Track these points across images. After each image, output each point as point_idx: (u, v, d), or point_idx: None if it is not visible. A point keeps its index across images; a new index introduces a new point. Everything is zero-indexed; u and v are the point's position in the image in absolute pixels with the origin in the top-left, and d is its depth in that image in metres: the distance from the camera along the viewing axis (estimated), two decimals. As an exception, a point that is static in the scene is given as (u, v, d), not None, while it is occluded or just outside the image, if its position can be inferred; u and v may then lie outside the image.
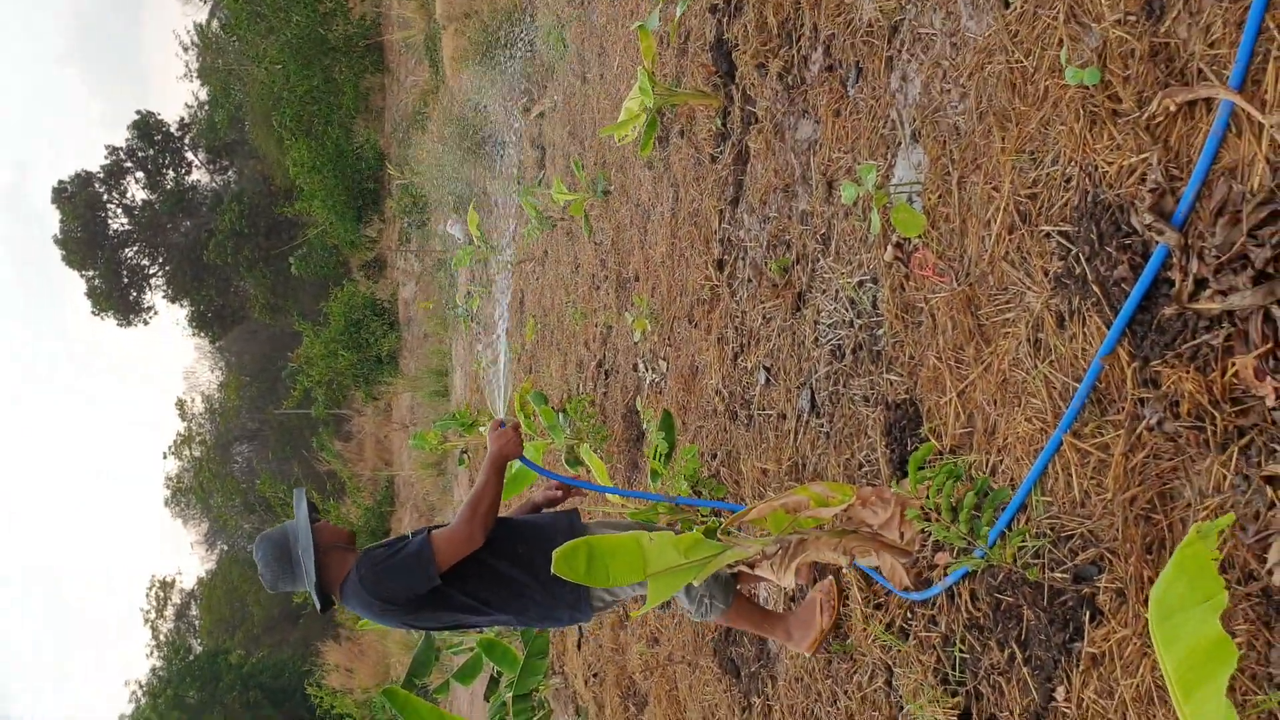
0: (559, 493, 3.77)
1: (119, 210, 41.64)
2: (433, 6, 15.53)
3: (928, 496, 2.54)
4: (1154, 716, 2.16)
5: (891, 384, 3.22)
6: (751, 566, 3.18)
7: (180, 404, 47.17)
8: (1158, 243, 2.13)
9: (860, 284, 3.46)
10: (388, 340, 21.41)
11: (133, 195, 41.79)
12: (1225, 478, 2.02)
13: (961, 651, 2.80)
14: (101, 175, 40.85)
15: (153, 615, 48.19)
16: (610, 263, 6.77)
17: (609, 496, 4.83)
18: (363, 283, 25.74)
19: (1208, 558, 1.45)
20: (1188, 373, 2.08)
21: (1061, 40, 2.46)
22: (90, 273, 40.79)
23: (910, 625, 3.05)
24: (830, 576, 3.61)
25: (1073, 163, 2.44)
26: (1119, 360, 2.26)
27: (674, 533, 3.11)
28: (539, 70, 9.98)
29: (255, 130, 33.97)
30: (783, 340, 4.04)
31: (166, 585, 49.20)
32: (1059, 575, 2.44)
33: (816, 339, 3.75)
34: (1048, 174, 2.53)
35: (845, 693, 3.44)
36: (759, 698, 4.15)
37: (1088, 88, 2.35)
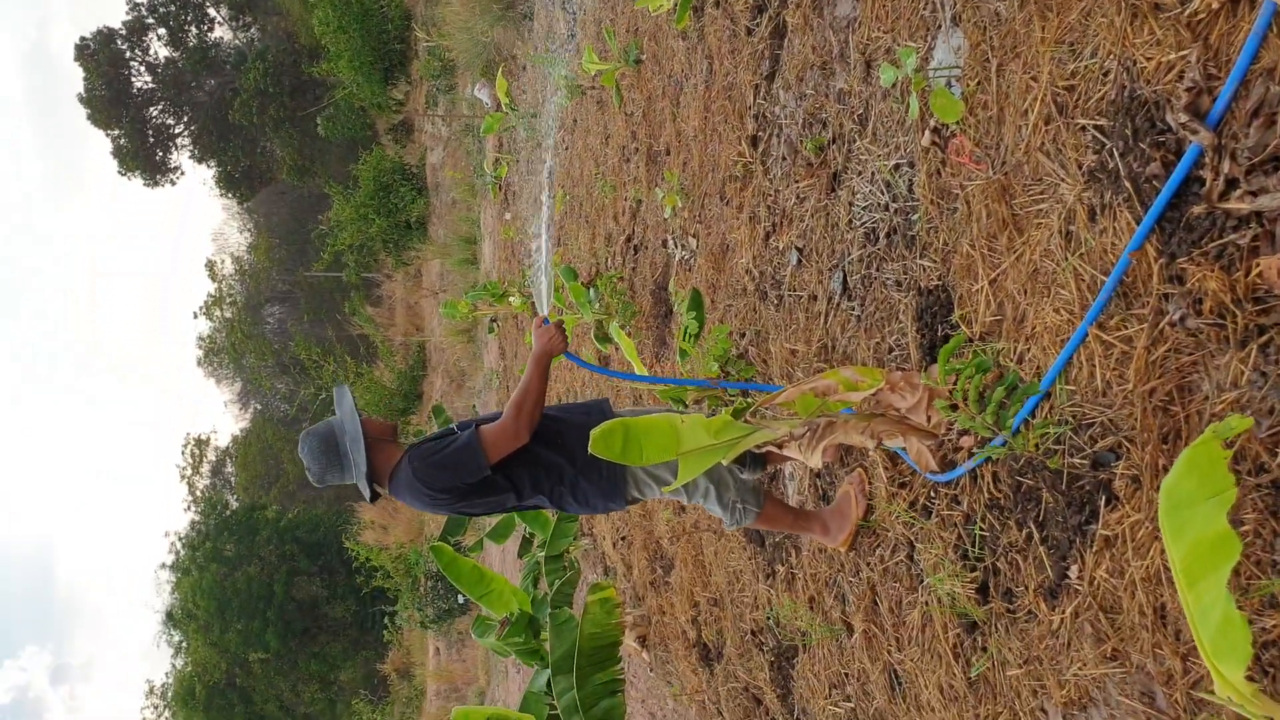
0: None
1: (142, 68, 41.19)
2: None
3: (955, 387, 2.62)
4: (1161, 596, 2.28)
5: (924, 269, 3.27)
6: (780, 447, 3.30)
7: (210, 265, 47.50)
8: (1191, 142, 2.15)
9: (896, 167, 3.48)
10: (417, 206, 21.38)
11: (155, 53, 41.27)
12: (1243, 374, 2.09)
13: (981, 530, 2.93)
14: (124, 32, 40.29)
15: (189, 472, 49.58)
16: (641, 135, 6.74)
17: (637, 372, 4.95)
18: (390, 147, 25.58)
19: (1219, 455, 1.53)
20: (1212, 271, 2.13)
21: (1108, -71, 2.43)
22: (115, 132, 40.63)
23: (933, 504, 3.18)
24: (860, 468, 3.73)
25: (1111, 56, 2.44)
26: (1146, 256, 2.31)
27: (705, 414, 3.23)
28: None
29: (277, -15, 33.34)
30: (816, 221, 4.08)
31: (202, 443, 50.46)
32: (1078, 461, 2.53)
33: (850, 221, 3.79)
34: (1086, 66, 2.53)
35: (868, 565, 3.60)
36: (783, 566, 4.33)
37: (1132, -20, 2.34)
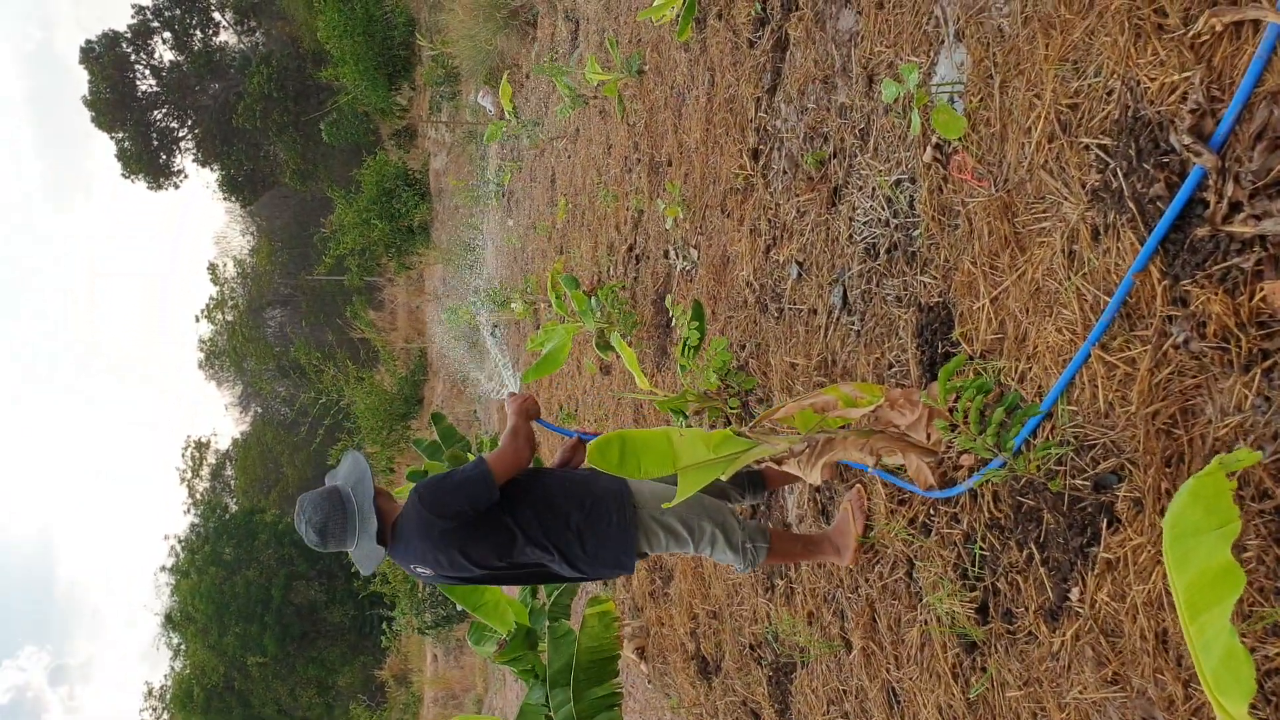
0: (569, 453, 3.91)
1: (147, 71, 41.26)
2: None
3: (956, 406, 2.60)
4: (1163, 620, 2.26)
5: (925, 286, 3.25)
6: (779, 463, 3.28)
7: (212, 268, 47.51)
8: (1195, 164, 2.13)
9: (898, 183, 3.46)
10: (419, 211, 21.39)
11: (160, 56, 41.35)
12: (1246, 398, 2.07)
13: (981, 549, 2.91)
14: (129, 35, 40.36)
15: (189, 475, 49.55)
16: (643, 145, 6.73)
17: (638, 383, 4.92)
18: (393, 152, 25.59)
19: (1224, 487, 1.51)
20: (1216, 294, 2.12)
21: (1113, -52, 2.41)
22: (120, 134, 40.70)
23: (932, 522, 3.16)
24: (859, 484, 3.70)
25: (1115, 76, 2.42)
26: (1150, 277, 2.29)
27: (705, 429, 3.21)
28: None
29: (282, -10, 33.41)
30: (816, 235, 4.06)
31: (202, 446, 50.45)
32: (1080, 482, 2.51)
33: (851, 236, 3.77)
34: (1090, 85, 2.52)
35: (866, 581, 3.57)
36: (782, 580, 4.31)
37: (1134, 0, 2.32)
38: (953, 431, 2.66)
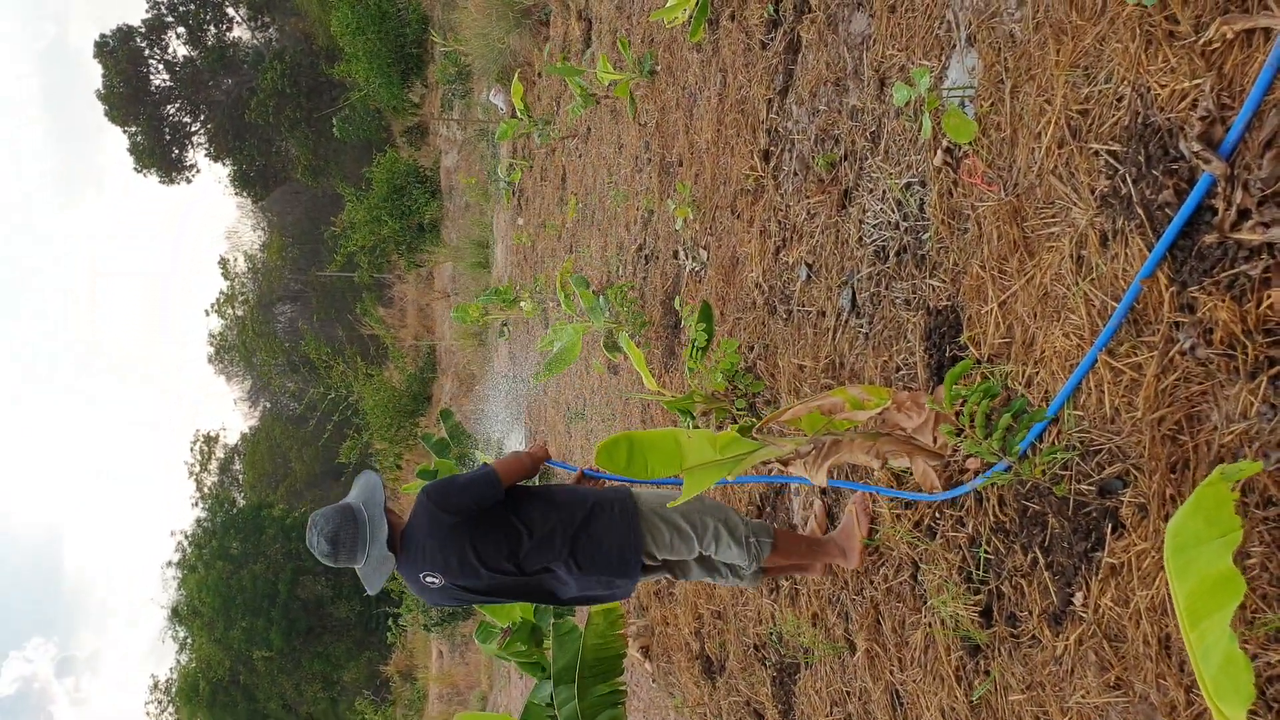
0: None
1: (160, 66, 41.35)
2: None
3: (961, 411, 2.61)
4: (1166, 626, 2.27)
5: (934, 289, 3.26)
6: (785, 464, 3.29)
7: (223, 262, 47.62)
8: (1204, 171, 2.14)
9: (908, 186, 3.47)
10: (430, 208, 21.41)
11: (174, 51, 41.44)
12: (1252, 405, 2.07)
13: (986, 553, 2.91)
14: (143, 30, 40.46)
15: (197, 468, 49.66)
16: (654, 145, 6.75)
17: (646, 384, 4.94)
18: (405, 149, 25.63)
19: (1227, 497, 1.52)
20: (1224, 301, 2.12)
21: (1125, -46, 2.42)
22: (133, 128, 40.80)
23: (938, 525, 3.17)
24: (860, 492, 3.71)
25: (1125, 82, 2.43)
26: (1157, 284, 2.30)
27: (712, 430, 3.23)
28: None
29: (296, -14, 33.52)
30: (826, 237, 4.07)
31: (210, 440, 50.54)
32: (1085, 487, 2.52)
33: (861, 238, 3.78)
34: (1100, 91, 2.52)
35: (871, 583, 3.58)
36: (786, 581, 4.32)
37: (1145, 7, 2.33)
38: (959, 436, 2.67)
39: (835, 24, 4.09)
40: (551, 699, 5.66)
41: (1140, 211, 2.36)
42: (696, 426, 4.85)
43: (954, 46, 3.25)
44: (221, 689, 37.34)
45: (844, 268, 3.91)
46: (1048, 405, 2.63)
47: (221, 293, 46.38)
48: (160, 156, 41.45)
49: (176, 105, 42.03)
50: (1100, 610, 2.46)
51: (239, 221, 52.65)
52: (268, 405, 50.20)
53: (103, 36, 40.01)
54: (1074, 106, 2.61)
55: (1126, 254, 2.42)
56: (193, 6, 40.80)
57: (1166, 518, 2.28)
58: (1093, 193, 2.54)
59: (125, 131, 40.97)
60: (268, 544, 36.86)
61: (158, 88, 41.41)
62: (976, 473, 2.96)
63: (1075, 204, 2.61)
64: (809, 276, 4.20)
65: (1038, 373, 2.73)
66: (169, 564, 41.09)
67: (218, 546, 36.97)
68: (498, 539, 3.49)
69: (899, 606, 3.41)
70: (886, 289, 3.57)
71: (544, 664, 7.28)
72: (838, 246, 3.97)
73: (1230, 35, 2.09)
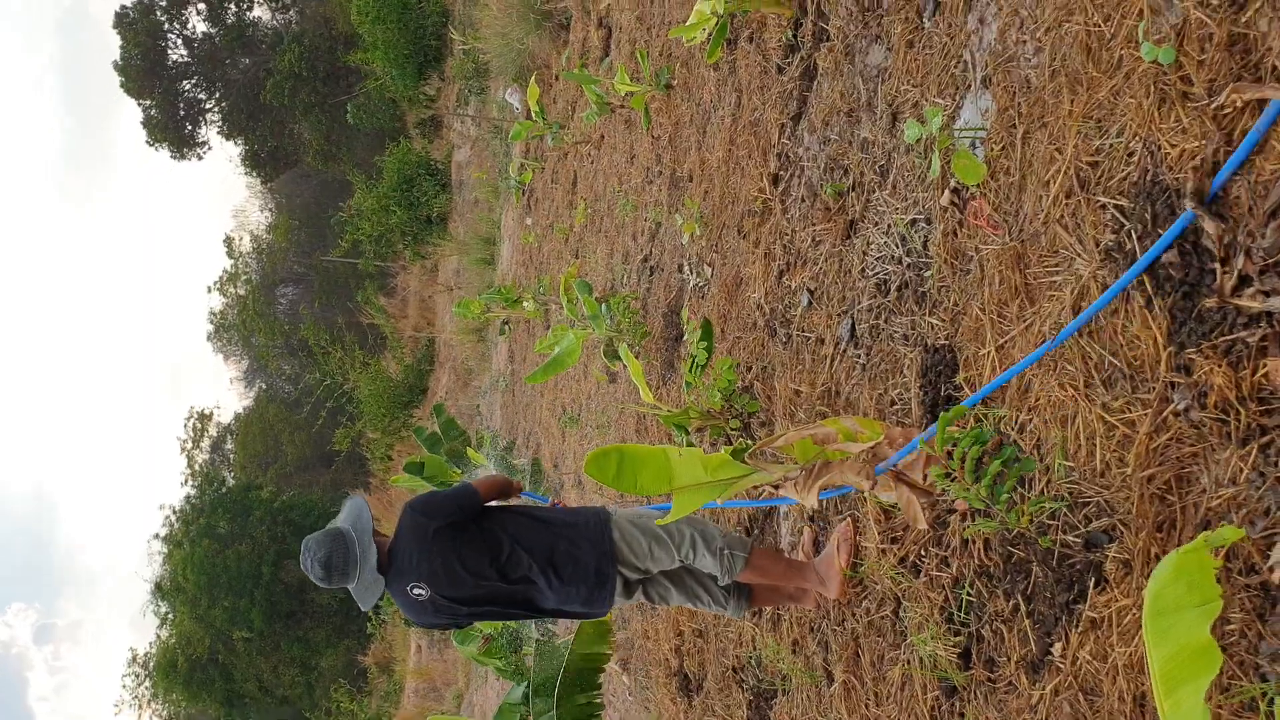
0: None
1: (179, 41, 41.36)
2: None
3: (953, 455, 2.62)
4: (1143, 684, 2.27)
5: (932, 327, 3.27)
6: (776, 488, 3.30)
7: (228, 241, 47.60)
8: (1185, 209, 2.17)
9: (913, 222, 3.48)
10: (439, 201, 21.41)
11: (194, 27, 41.45)
12: (1242, 471, 2.08)
13: (969, 595, 2.92)
14: (164, 3, 40.50)
15: (189, 445, 49.61)
16: (666, 159, 6.76)
17: (642, 395, 4.94)
18: (418, 140, 25.63)
19: (1208, 564, 1.53)
20: (1220, 366, 2.13)
21: (1142, 12, 2.43)
22: (147, 102, 40.80)
23: (923, 563, 3.17)
24: (848, 519, 3.72)
25: (1137, 138, 2.44)
26: (1155, 342, 2.31)
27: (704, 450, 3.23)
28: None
29: (319, -30, 33.58)
30: (829, 265, 4.08)
31: (204, 417, 50.47)
32: (1071, 539, 2.53)
33: (863, 270, 3.79)
34: (1111, 145, 2.53)
35: (853, 615, 3.59)
36: (769, 607, 4.32)
37: (1161, 65, 2.34)
38: (948, 479, 2.68)
39: (852, 54, 4.10)
40: (527, 703, 5.65)
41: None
42: (690, 442, 4.86)
43: (969, 87, 3.26)
44: (200, 666, 37.28)
45: (845, 297, 3.92)
46: (1039, 454, 2.64)
47: (225, 271, 46.37)
48: (173, 132, 41.45)
49: (192, 81, 42.04)
50: (1078, 662, 2.46)
51: (247, 201, 52.62)
52: (263, 387, 50.16)
53: (123, 8, 40.02)
54: (1084, 158, 2.62)
55: (1127, 310, 2.43)
56: (215, -18, 40.83)
57: (1150, 576, 2.28)
58: (1097, 245, 2.55)
59: (140, 104, 40.97)
60: (254, 525, 36.80)
61: (175, 63, 41.43)
62: (964, 515, 2.97)
63: (1079, 255, 2.62)
64: (810, 303, 4.21)
65: (1030, 419, 2.73)
66: (155, 537, 41.01)
67: (205, 524, 36.91)
68: (480, 547, 3.59)
69: (879, 641, 3.41)
70: (886, 322, 3.58)
71: (522, 669, 7.29)
72: (840, 276, 3.98)
73: (1240, 103, 2.10)
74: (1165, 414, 2.27)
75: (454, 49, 19.58)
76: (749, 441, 3.60)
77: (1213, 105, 2.19)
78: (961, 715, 2.92)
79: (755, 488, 3.41)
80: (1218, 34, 2.19)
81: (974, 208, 3.10)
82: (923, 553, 3.19)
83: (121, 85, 40.08)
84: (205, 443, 50.12)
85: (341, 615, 36.19)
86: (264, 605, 35.53)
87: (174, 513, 40.10)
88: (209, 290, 46.66)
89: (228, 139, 42.13)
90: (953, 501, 3.01)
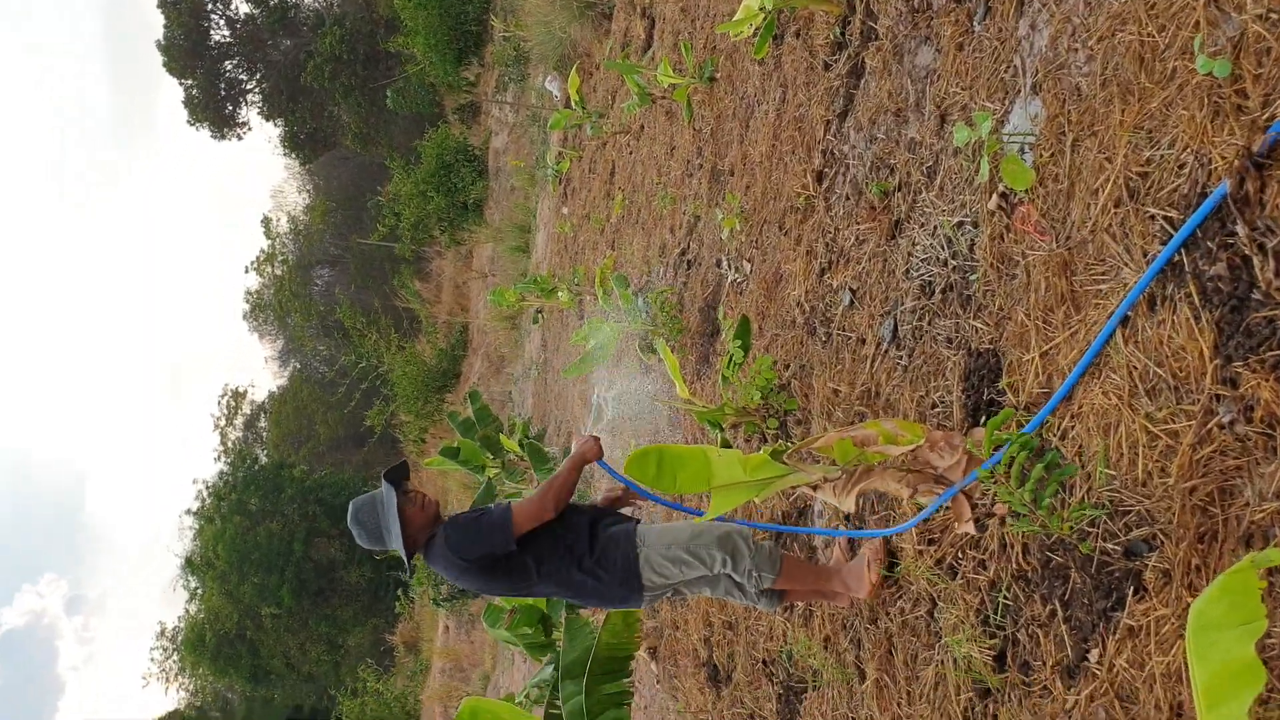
0: (618, 493, 4.02)
1: (221, 21, 41.69)
2: None
3: (999, 461, 2.64)
4: (1179, 694, 2.29)
5: (977, 331, 3.28)
6: (814, 489, 3.33)
7: (266, 221, 47.94)
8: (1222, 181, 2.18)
9: (960, 225, 3.49)
10: (475, 188, 21.49)
11: (236, 7, 41.75)
12: (1287, 486, 2.09)
13: (1005, 599, 2.94)
14: (208, -16, 40.82)
15: (223, 422, 50.14)
16: (707, 152, 6.77)
17: (678, 391, 4.97)
18: (456, 126, 25.72)
19: (1254, 584, 1.55)
20: (1267, 380, 2.14)
21: (1198, 23, 2.43)
22: (189, 81, 41.16)
23: (960, 565, 3.19)
24: (879, 540, 3.73)
25: (1189, 150, 2.44)
26: (1201, 354, 2.31)
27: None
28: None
29: (362, -46, 33.72)
30: (873, 265, 4.09)
31: (238, 395, 51.00)
32: (1111, 546, 2.54)
33: (908, 271, 3.80)
34: (1162, 156, 2.54)
35: (887, 614, 3.61)
36: (802, 603, 4.34)
37: (1216, 78, 2.34)
38: (992, 481, 2.70)
39: (901, 54, 4.11)
40: (555, 689, 5.71)
41: (1191, 281, 2.38)
42: (726, 439, 4.89)
43: (1018, 92, 3.26)
44: (227, 642, 37.74)
45: (888, 298, 3.93)
46: (1080, 461, 2.65)
47: (262, 251, 46.72)
48: (214, 111, 41.78)
49: (234, 62, 42.35)
50: (1115, 670, 2.48)
51: (285, 183, 53.00)
52: (298, 366, 50.59)
53: (168, -13, 40.35)
54: (1134, 168, 2.63)
55: (1173, 320, 2.44)
56: (258, -36, 41.07)
57: (1190, 586, 2.30)
58: (1145, 256, 2.56)
59: (181, 84, 41.33)
60: (285, 503, 37.18)
61: (217, 43, 41.73)
62: (1004, 517, 2.99)
63: (1126, 264, 2.62)
64: (852, 302, 4.23)
65: (1073, 426, 2.75)
66: (187, 512, 41.47)
67: (237, 500, 37.32)
68: (508, 579, 3.76)
69: (913, 640, 3.43)
70: (929, 324, 3.59)
71: (554, 650, 7.34)
72: (884, 276, 3.99)
73: (1297, 118, 2.11)
74: (1210, 426, 2.28)
75: (495, 35, 19.65)
76: (788, 443, 3.62)
77: (1265, 118, 2.20)
78: (995, 717, 2.94)
79: (792, 488, 3.44)
80: (1276, 48, 2.19)
81: (1022, 213, 3.10)
82: (960, 555, 3.21)
83: (164, 65, 40.43)
84: (239, 420, 50.64)
85: (370, 594, 36.55)
86: (293, 582, 35.92)
87: (206, 488, 40.55)
88: (246, 270, 47.02)
89: (267, 120, 42.41)
90: (992, 505, 3.02)
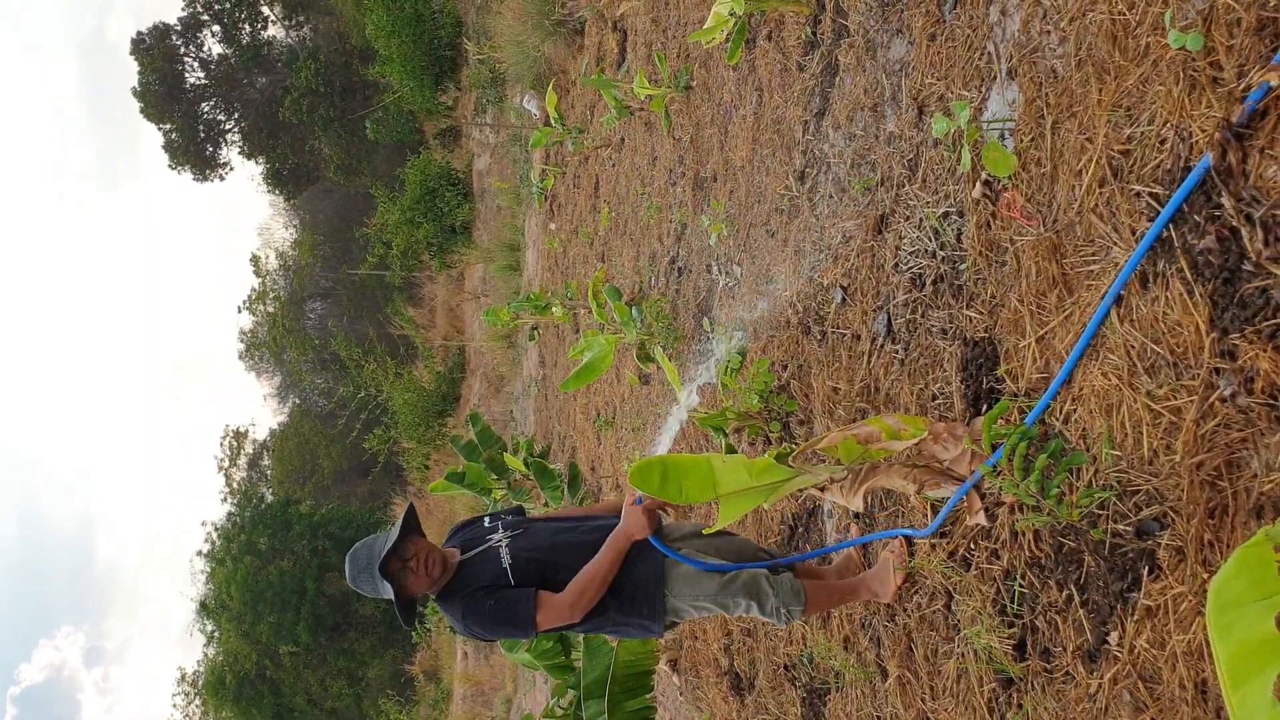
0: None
1: (195, 64, 41.72)
2: None
3: (1001, 453, 2.63)
4: (1202, 671, 2.28)
5: (971, 320, 3.27)
6: (821, 490, 3.32)
7: (255, 259, 47.96)
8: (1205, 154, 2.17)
9: (945, 215, 3.48)
10: (462, 211, 21.50)
11: (209, 49, 41.80)
12: (1294, 455, 2.08)
13: (1021, 587, 2.93)
14: (179, 28, 40.85)
15: (226, 464, 50.09)
16: (688, 160, 6.77)
17: (678, 398, 4.96)
18: (438, 151, 25.75)
19: (1271, 558, 1.54)
20: (1265, 350, 2.13)
21: (1168, -1, 2.43)
22: (167, 126, 41.19)
23: (973, 556, 3.18)
24: (899, 538, 3.71)
25: (1168, 125, 2.44)
26: (1198, 328, 2.31)
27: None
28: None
29: (330, -14, 33.80)
30: (861, 261, 4.08)
31: (240, 435, 50.94)
32: (1122, 528, 2.53)
33: (897, 265, 3.79)
34: (1142, 132, 2.53)
35: (904, 610, 3.60)
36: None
37: (1190, 52, 2.34)
38: (995, 474, 2.69)
39: (874, 49, 4.11)
40: (579, 707, 5.69)
41: (1181, 256, 2.37)
42: (729, 444, 4.88)
43: (994, 78, 3.26)
44: (248, 682, 37.66)
45: (879, 293, 3.92)
46: (1085, 444, 2.64)
47: (253, 289, 46.70)
48: (194, 154, 41.83)
49: (211, 103, 42.39)
50: (1136, 651, 2.47)
51: (271, 219, 53.01)
52: (297, 402, 50.55)
53: (139, 34, 40.41)
54: (1116, 146, 2.62)
55: (1167, 296, 2.43)
56: (228, 4, 41.13)
57: (1204, 562, 2.29)
58: (1134, 233, 2.55)
59: (160, 129, 41.37)
60: (295, 540, 37.13)
61: (192, 85, 41.79)
62: (1011, 508, 2.97)
63: (1116, 243, 2.62)
64: (844, 299, 4.22)
65: (1075, 410, 2.74)
66: (199, 554, 41.40)
67: (246, 541, 37.27)
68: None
69: (932, 635, 3.42)
70: (923, 317, 3.58)
71: (574, 669, 7.32)
72: (873, 271, 3.99)
73: (1274, 84, 2.10)
74: (1211, 400, 2.27)
75: (469, 58, 19.66)
76: (792, 445, 3.61)
77: (1242, 88, 2.19)
78: (1020, 706, 2.93)
79: (799, 490, 3.42)
80: (1246, 19, 2.19)
81: (1007, 199, 3.10)
82: (972, 546, 3.19)
83: (141, 111, 40.48)
84: (242, 460, 50.60)
85: (386, 625, 36.47)
86: (309, 619, 35.86)
87: (215, 529, 40.50)
88: (239, 310, 47.02)
89: (249, 158, 42.45)
90: (1000, 494, 3.01)
